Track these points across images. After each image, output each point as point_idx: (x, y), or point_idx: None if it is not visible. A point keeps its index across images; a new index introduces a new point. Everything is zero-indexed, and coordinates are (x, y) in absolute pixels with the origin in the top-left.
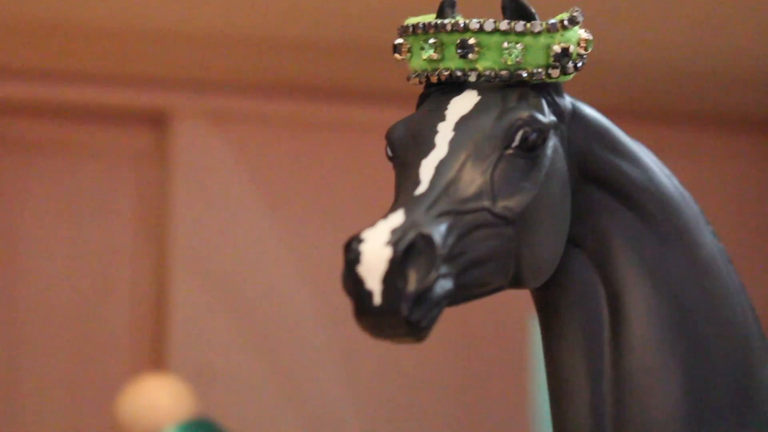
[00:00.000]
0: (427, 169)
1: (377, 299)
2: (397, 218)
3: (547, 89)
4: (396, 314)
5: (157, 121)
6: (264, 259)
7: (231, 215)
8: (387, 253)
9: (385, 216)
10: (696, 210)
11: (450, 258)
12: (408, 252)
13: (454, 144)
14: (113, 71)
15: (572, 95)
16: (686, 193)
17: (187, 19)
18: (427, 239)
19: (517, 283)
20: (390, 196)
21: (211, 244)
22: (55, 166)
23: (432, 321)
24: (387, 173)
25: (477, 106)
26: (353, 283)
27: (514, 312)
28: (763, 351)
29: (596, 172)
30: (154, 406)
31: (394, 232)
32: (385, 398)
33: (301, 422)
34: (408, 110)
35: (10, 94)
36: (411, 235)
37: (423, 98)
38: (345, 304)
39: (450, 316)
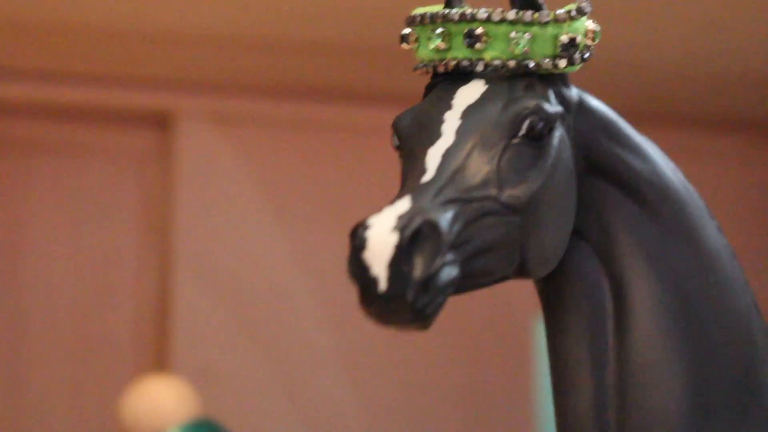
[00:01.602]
0: (433, 157)
1: (383, 285)
2: (404, 205)
3: (554, 80)
4: (402, 300)
5: (160, 123)
6: (267, 261)
7: (234, 217)
8: (393, 239)
9: (391, 202)
10: (701, 204)
11: (456, 245)
12: (414, 238)
13: (460, 132)
14: (117, 72)
15: None
16: (691, 188)
17: (191, 20)
18: (433, 225)
19: (522, 272)
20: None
21: (215, 246)
22: (58, 167)
23: (437, 308)
24: (391, 174)
25: (484, 95)
26: (359, 269)
27: (517, 312)
28: (766, 345)
29: (601, 163)
30: (158, 407)
31: (400, 218)
32: (388, 399)
33: (304, 423)
34: None
35: (14, 95)
36: (417, 221)
37: (430, 88)
38: (348, 306)
39: (453, 316)
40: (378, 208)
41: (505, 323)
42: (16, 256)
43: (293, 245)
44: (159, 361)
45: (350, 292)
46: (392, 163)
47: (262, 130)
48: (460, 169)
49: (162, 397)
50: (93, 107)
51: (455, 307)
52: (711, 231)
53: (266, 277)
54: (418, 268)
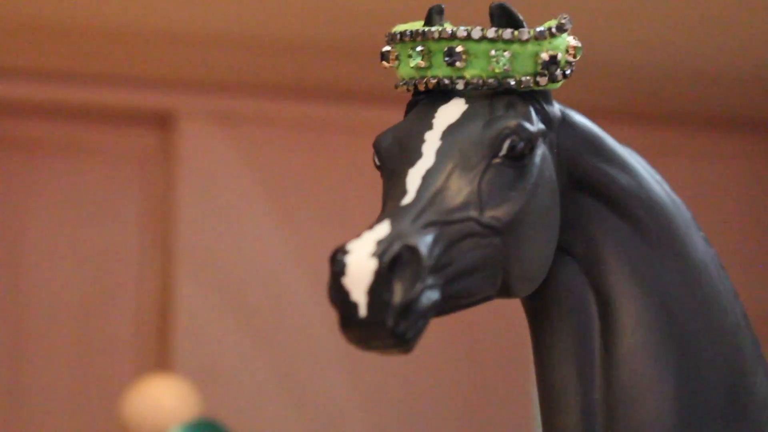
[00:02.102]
0: (413, 178)
1: (363, 311)
2: (383, 229)
3: (535, 97)
4: (382, 326)
5: (162, 122)
6: (269, 260)
7: (236, 216)
8: (372, 264)
9: (370, 227)
10: (687, 216)
11: (436, 269)
12: (393, 263)
13: (441, 153)
14: (118, 72)
15: (572, 97)
16: (677, 199)
17: (192, 20)
18: (413, 250)
19: (505, 292)
20: None
21: (216, 246)
22: (59, 167)
23: (418, 332)
24: None
25: (464, 114)
26: (339, 295)
27: (519, 314)
28: (756, 358)
29: (586, 179)
30: (159, 407)
31: (379, 243)
32: (390, 400)
33: (306, 423)
34: None
35: (15, 94)
36: (396, 247)
37: (411, 106)
38: None
39: (455, 319)
40: (361, 232)
41: (506, 324)
42: (17, 256)
43: (295, 244)
44: (160, 361)
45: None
46: None
47: (264, 130)
48: (440, 191)
49: (163, 396)
50: (94, 107)
51: (441, 317)
52: (698, 243)
53: (268, 276)
54: (398, 294)
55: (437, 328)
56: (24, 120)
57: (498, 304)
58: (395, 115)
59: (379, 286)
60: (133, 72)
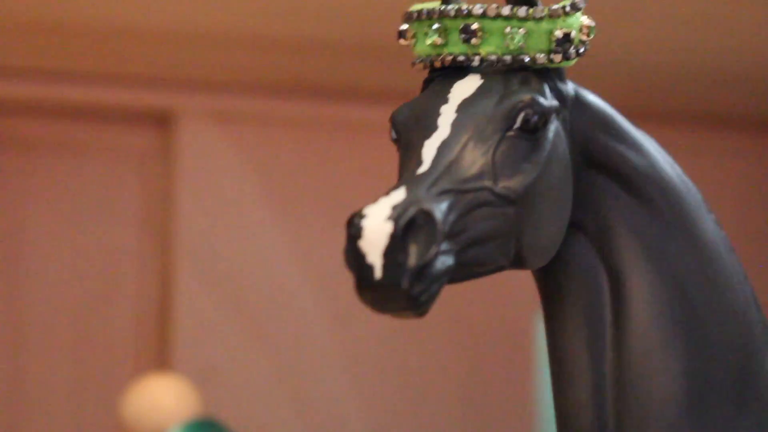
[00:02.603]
0: (429, 149)
1: (378, 273)
2: (399, 195)
3: (549, 74)
4: (396, 288)
5: (161, 121)
6: (269, 258)
7: (236, 215)
8: (388, 227)
9: (387, 193)
10: (698, 198)
11: (451, 235)
12: (409, 227)
13: (456, 126)
14: (118, 71)
15: None
16: (689, 181)
17: (191, 18)
18: (428, 215)
19: (518, 263)
20: None
21: (216, 244)
22: (58, 166)
23: (432, 296)
24: (392, 172)
25: (479, 89)
26: (354, 258)
27: (520, 309)
28: (765, 339)
29: (599, 157)
30: (159, 406)
31: (395, 207)
32: (390, 398)
33: (306, 422)
34: None
35: (14, 93)
36: (412, 211)
37: (427, 83)
38: (350, 304)
39: (455, 315)
40: (374, 198)
41: (507, 323)
42: (16, 256)
43: (295, 243)
44: (160, 360)
45: (352, 289)
46: (393, 160)
47: (263, 128)
48: (456, 161)
49: (163, 395)
50: (93, 106)
51: (457, 306)
52: (709, 224)
53: (268, 274)
54: (413, 257)
55: (438, 328)
56: (24, 120)
57: (498, 305)
58: None
59: (394, 249)
60: (132, 71)
